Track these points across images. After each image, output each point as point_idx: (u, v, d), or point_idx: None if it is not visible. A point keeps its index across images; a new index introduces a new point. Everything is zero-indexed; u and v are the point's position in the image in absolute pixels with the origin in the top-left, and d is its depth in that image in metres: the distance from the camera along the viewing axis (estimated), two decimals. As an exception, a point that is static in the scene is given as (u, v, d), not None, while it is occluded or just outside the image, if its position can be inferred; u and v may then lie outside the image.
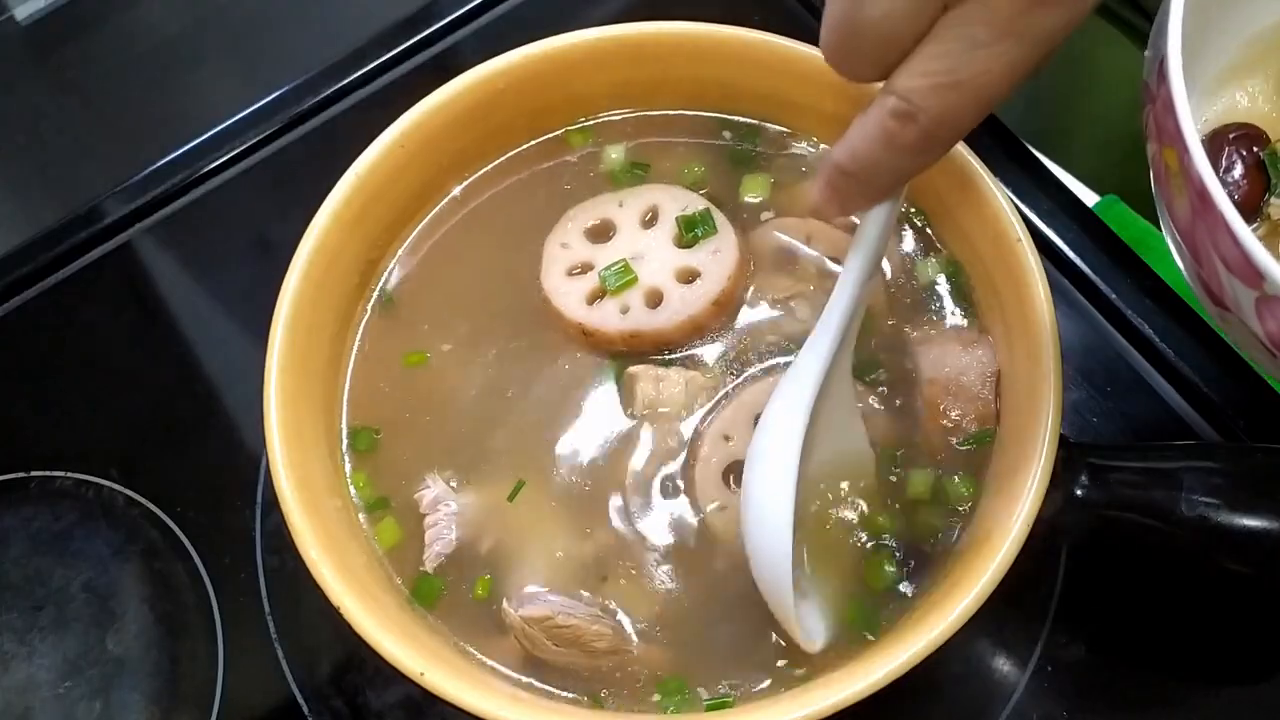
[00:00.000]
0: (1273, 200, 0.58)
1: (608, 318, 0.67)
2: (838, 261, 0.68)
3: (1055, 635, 0.68)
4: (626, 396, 0.67)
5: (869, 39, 0.45)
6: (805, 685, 0.59)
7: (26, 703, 0.70)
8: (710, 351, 0.68)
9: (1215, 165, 0.58)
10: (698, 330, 0.68)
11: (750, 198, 0.71)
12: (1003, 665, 0.68)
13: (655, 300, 0.68)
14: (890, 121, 0.46)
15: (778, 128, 0.73)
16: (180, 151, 0.85)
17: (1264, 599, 0.68)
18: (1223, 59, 0.61)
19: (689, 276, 0.68)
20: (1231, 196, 0.55)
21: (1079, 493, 0.68)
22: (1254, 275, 0.49)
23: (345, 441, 0.67)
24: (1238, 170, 0.58)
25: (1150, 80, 0.53)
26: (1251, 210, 0.58)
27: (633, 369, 0.67)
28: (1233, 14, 0.60)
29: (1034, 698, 0.67)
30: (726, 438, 0.65)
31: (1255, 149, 0.58)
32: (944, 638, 0.54)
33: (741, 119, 0.73)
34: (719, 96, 0.72)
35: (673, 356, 0.68)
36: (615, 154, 0.73)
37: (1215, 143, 0.59)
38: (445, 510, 0.64)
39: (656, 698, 0.60)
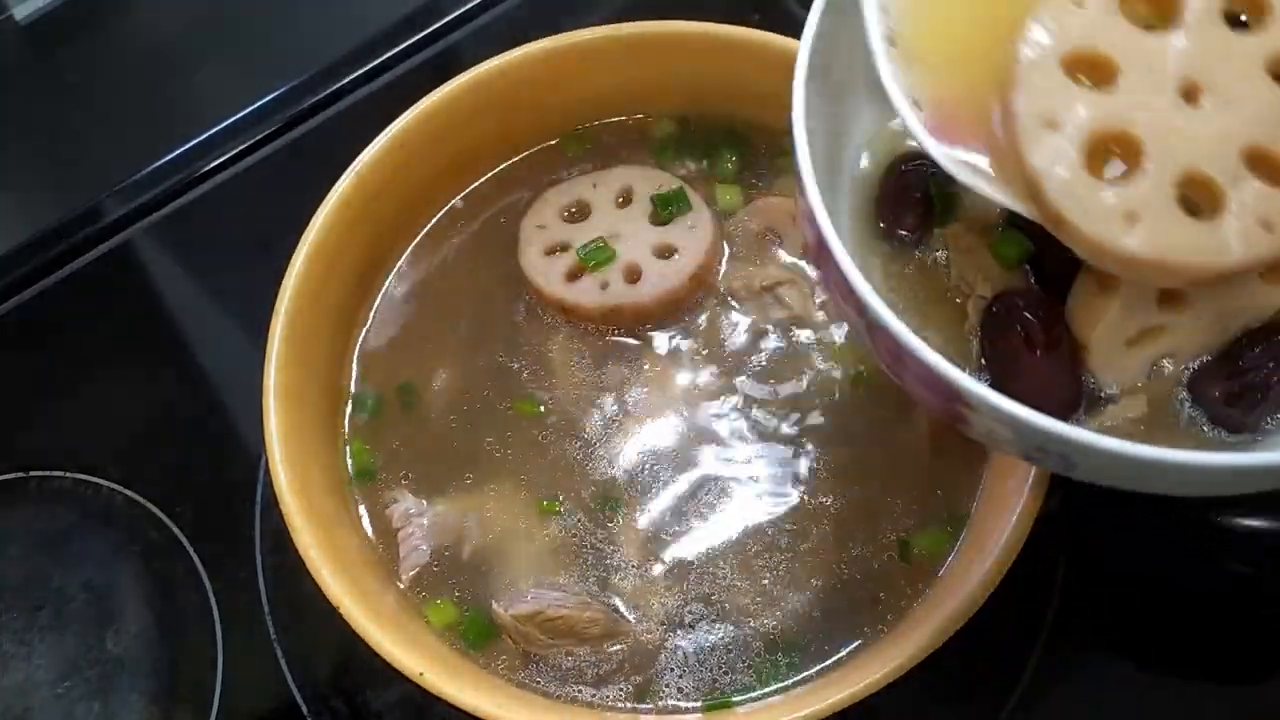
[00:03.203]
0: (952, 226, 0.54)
1: (587, 294, 0.68)
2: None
3: (1055, 635, 0.68)
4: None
5: None
6: (805, 685, 0.59)
7: (26, 703, 0.70)
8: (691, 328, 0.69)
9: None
10: (676, 304, 0.68)
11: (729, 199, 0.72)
12: (1002, 665, 0.68)
13: (634, 276, 0.68)
14: None
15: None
16: (180, 151, 0.85)
17: (1264, 599, 0.68)
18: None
19: (666, 252, 0.69)
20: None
21: (1079, 492, 0.68)
22: (859, 304, 0.47)
23: (346, 442, 0.67)
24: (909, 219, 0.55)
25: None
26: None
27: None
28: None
29: (1034, 698, 0.67)
30: None
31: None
32: (943, 638, 0.54)
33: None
34: (719, 97, 0.72)
35: (651, 332, 0.68)
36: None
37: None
38: (417, 522, 0.64)
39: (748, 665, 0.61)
